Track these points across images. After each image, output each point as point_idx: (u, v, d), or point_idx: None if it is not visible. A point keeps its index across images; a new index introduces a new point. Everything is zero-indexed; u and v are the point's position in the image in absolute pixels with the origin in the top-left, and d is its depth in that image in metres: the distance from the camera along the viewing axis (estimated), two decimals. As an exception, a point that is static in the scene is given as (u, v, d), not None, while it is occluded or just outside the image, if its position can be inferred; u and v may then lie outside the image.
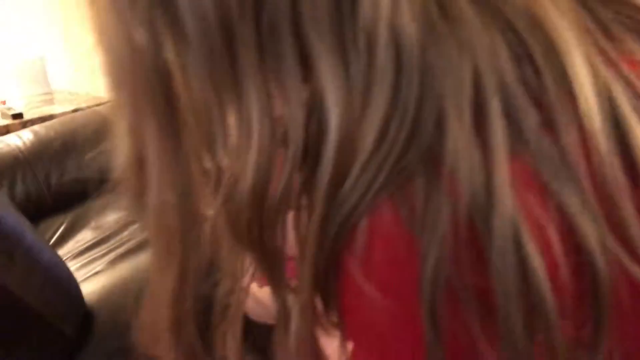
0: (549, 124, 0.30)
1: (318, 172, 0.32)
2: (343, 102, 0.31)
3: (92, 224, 1.79)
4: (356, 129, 0.31)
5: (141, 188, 0.37)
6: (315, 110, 0.32)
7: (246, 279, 0.40)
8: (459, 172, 0.29)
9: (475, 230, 0.29)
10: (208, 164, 0.35)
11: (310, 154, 0.32)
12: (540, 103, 0.30)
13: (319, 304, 0.35)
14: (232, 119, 0.33)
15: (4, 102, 2.28)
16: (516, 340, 0.29)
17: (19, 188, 1.80)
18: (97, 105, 2.12)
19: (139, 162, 0.36)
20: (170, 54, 0.33)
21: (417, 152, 0.30)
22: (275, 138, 0.32)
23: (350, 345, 0.37)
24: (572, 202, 0.29)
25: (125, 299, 1.13)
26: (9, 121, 2.12)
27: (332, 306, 0.34)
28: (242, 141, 0.32)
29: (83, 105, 2.24)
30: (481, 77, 0.30)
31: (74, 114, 2.05)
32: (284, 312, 0.37)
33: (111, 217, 1.80)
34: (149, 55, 0.33)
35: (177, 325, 0.40)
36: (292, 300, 0.37)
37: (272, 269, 0.36)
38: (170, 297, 0.39)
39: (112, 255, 1.60)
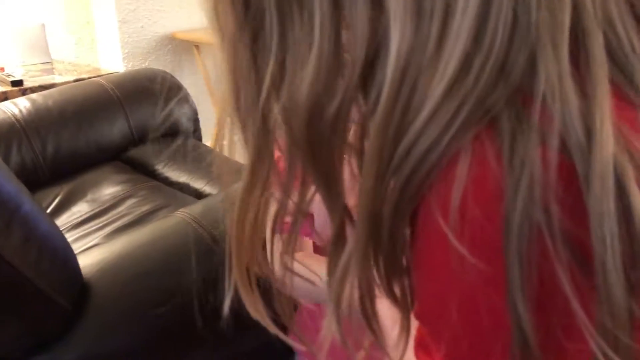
0: None
1: (373, 95, 0.31)
2: (409, 27, 0.29)
3: (88, 196, 1.77)
4: (426, 58, 0.29)
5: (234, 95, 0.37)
6: (378, 33, 0.30)
7: (296, 195, 0.38)
8: (553, 108, 0.27)
9: (570, 172, 0.27)
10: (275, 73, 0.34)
11: (370, 78, 0.31)
12: None
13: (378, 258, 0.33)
14: (297, 31, 0.32)
15: (2, 69, 2.23)
16: (614, 295, 0.27)
17: (14, 157, 1.77)
18: (97, 76, 2.08)
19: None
20: None
21: (506, 87, 0.28)
22: (337, 54, 0.32)
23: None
24: None
25: (122, 273, 1.11)
26: (7, 88, 2.07)
27: (397, 254, 0.33)
28: (303, 53, 0.32)
29: (84, 76, 2.20)
30: (583, 7, 0.28)
31: (72, 84, 2.01)
32: (338, 238, 0.36)
33: (107, 191, 1.77)
34: None
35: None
36: (349, 234, 0.35)
37: (327, 188, 0.35)
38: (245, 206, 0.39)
39: (108, 229, 1.58)
